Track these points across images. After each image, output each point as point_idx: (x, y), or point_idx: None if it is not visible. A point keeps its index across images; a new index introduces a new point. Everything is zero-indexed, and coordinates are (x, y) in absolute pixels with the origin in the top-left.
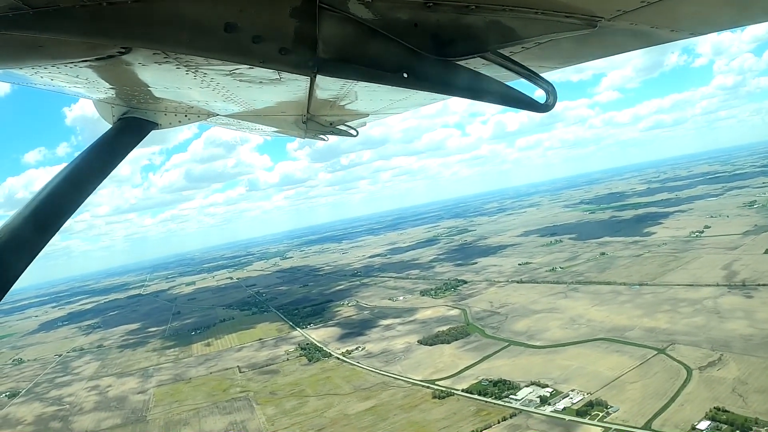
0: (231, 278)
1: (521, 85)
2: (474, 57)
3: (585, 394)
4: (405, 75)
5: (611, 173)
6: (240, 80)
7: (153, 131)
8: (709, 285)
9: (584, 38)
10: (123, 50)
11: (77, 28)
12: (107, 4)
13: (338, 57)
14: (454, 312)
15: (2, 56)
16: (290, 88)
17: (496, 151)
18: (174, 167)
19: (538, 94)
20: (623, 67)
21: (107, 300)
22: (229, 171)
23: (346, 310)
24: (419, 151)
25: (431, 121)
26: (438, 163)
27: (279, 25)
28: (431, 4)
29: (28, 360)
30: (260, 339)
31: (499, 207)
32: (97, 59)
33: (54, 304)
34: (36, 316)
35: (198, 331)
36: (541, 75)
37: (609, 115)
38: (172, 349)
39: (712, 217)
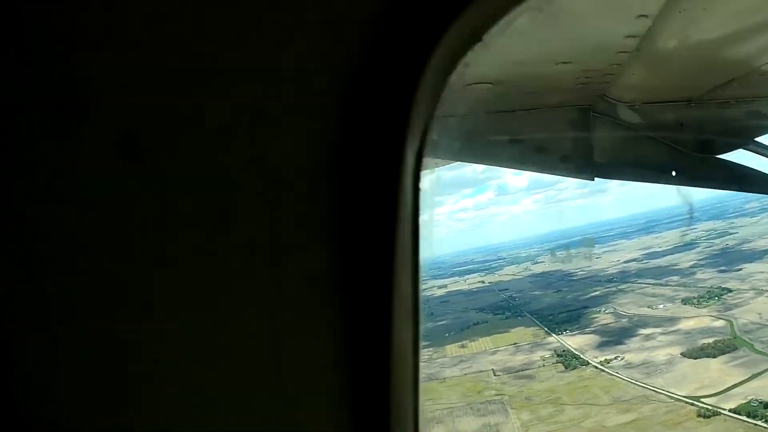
0: (483, 282)
1: None
2: (737, 150)
3: None
4: (673, 173)
5: None
6: None
7: None
8: None
9: None
10: None
11: None
12: None
13: (612, 160)
14: (719, 323)
15: None
16: None
17: None
18: (424, 175)
19: None
20: None
21: None
22: (478, 176)
23: (603, 317)
24: None
25: None
26: None
27: (559, 135)
28: (694, 104)
29: None
30: (515, 343)
31: (761, 206)
32: None
33: None
34: None
35: (451, 333)
36: None
37: None
38: (426, 349)
39: None
